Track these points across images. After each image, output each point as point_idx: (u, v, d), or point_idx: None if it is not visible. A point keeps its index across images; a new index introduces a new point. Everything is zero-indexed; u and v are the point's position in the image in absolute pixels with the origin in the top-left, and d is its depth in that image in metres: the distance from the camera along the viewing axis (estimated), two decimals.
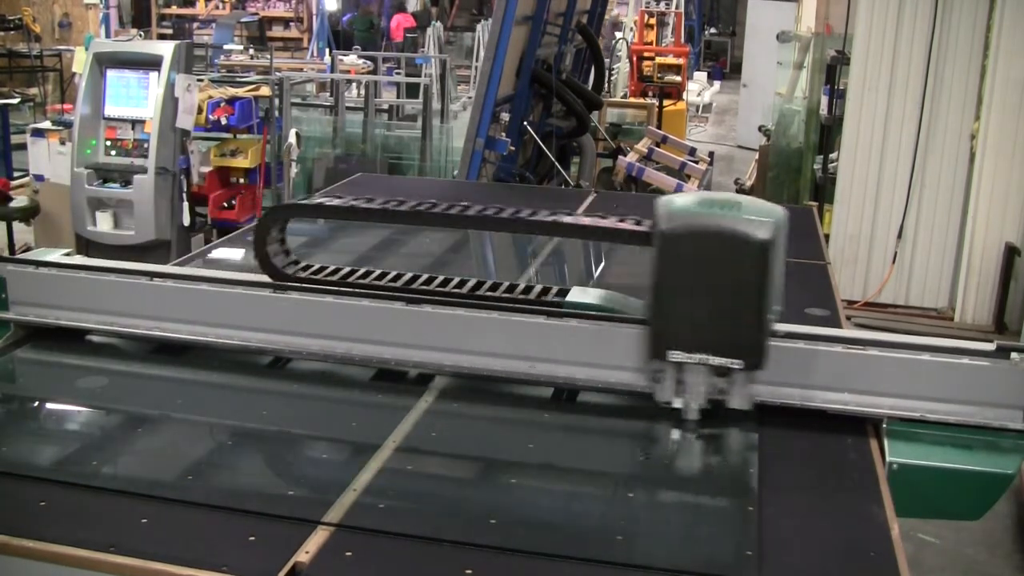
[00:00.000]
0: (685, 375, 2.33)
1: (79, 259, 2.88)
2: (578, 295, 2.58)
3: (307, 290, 2.61)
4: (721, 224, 2.23)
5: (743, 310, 2.25)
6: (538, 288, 2.65)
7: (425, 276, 2.69)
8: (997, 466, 2.28)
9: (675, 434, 2.37)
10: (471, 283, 2.65)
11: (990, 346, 2.35)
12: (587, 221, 2.60)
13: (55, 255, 2.85)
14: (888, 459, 2.24)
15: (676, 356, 2.29)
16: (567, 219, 2.60)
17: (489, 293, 2.60)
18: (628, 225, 2.50)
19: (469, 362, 2.50)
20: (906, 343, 2.40)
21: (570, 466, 2.30)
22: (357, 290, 2.59)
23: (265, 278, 2.66)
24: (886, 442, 2.29)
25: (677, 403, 2.35)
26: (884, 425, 2.32)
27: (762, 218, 2.24)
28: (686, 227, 2.26)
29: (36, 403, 2.59)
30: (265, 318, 2.62)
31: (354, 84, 10.73)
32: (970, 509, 2.40)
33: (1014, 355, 2.29)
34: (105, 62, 6.31)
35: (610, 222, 2.55)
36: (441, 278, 2.68)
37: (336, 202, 2.78)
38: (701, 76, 19.49)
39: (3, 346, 2.70)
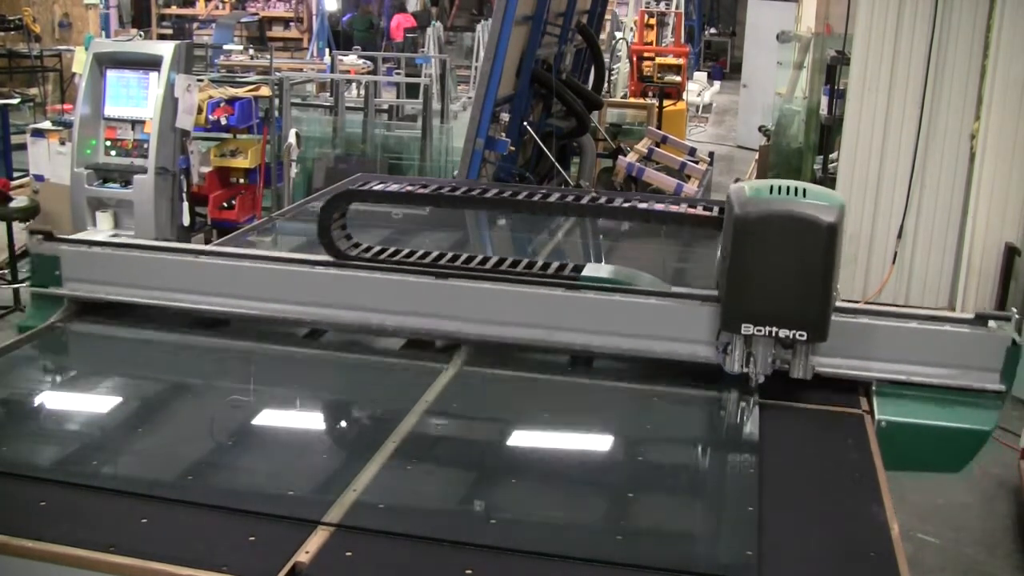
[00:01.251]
0: (754, 346, 2.49)
1: (125, 239, 2.96)
2: (592, 270, 2.82)
3: (347, 266, 2.80)
4: (792, 209, 2.40)
5: (809, 287, 2.41)
6: (555, 264, 2.85)
7: (451, 254, 2.90)
8: (976, 423, 2.47)
9: (680, 394, 2.60)
10: (494, 260, 2.85)
11: (970, 315, 2.58)
12: (660, 207, 2.82)
13: (104, 235, 2.91)
14: (877, 417, 2.44)
15: (747, 329, 2.44)
16: (641, 205, 2.83)
17: (511, 269, 2.81)
18: (699, 211, 2.77)
19: (493, 331, 2.69)
20: (893, 312, 2.65)
21: (583, 428, 2.50)
22: (391, 266, 2.80)
23: (298, 255, 2.92)
24: (875, 402, 2.49)
25: (744, 371, 2.50)
26: (873, 387, 2.52)
27: (827, 203, 2.43)
28: (760, 211, 2.42)
29: (77, 376, 2.79)
30: (304, 292, 2.78)
31: (354, 84, 10.74)
32: (952, 462, 2.57)
33: (991, 323, 2.51)
34: (105, 62, 6.31)
35: (681, 208, 2.77)
36: (466, 255, 2.88)
37: (394, 187, 2.98)
38: (701, 76, 19.49)
39: (58, 319, 2.86)
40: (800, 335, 2.42)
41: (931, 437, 2.48)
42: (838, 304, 2.52)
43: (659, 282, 2.88)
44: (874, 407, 2.47)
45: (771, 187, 2.47)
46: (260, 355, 2.81)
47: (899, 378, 2.53)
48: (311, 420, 2.61)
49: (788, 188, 2.45)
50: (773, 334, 2.43)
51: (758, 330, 2.43)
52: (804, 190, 2.45)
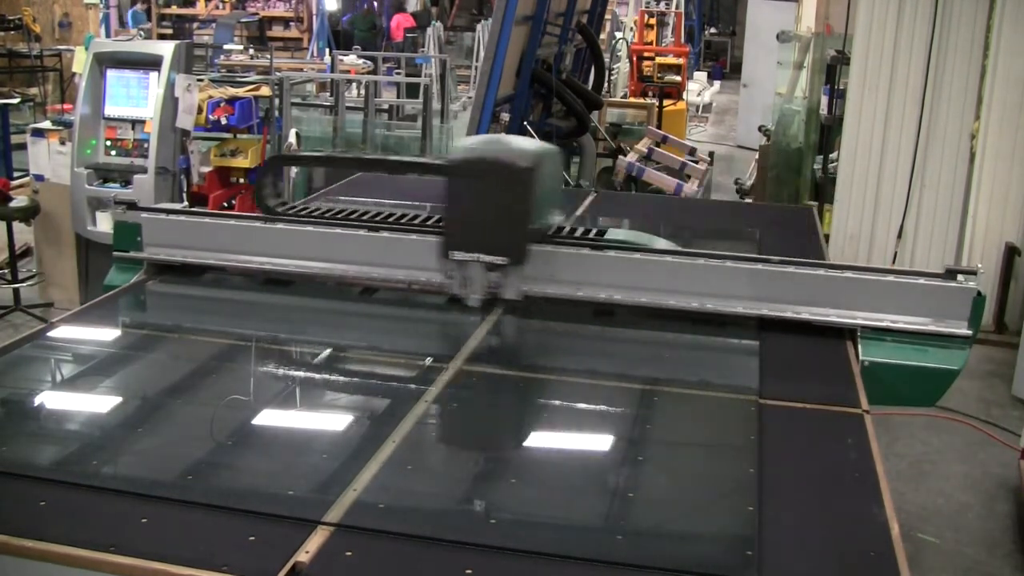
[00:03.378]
0: (467, 271, 2.99)
1: (197, 209, 3.58)
2: (614, 233, 3.24)
3: (386, 229, 3.24)
4: (493, 155, 2.98)
5: (508, 219, 2.96)
6: (581, 229, 3.25)
7: None
8: (946, 363, 2.86)
9: (686, 339, 3.04)
10: None
11: (940, 270, 2.98)
12: (396, 158, 3.75)
13: (179, 206, 3.55)
14: (861, 358, 2.82)
15: (458, 255, 2.96)
16: (393, 158, 3.71)
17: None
18: (427, 159, 3.64)
19: (527, 288, 3.06)
20: (874, 268, 3.08)
21: (602, 370, 2.86)
22: (430, 230, 3.17)
23: (348, 222, 3.31)
24: (860, 345, 2.87)
25: (463, 294, 3.01)
26: (859, 333, 2.91)
27: (524, 151, 3.02)
28: (466, 157, 3.05)
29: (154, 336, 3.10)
30: (357, 253, 3.20)
31: (354, 84, 10.74)
32: (925, 397, 2.98)
33: (960, 277, 2.91)
34: (105, 62, 6.30)
35: (414, 158, 3.50)
36: None
37: (322, 153, 3.58)
38: (701, 76, 19.49)
39: (138, 280, 3.27)
40: (502, 260, 2.94)
41: (908, 375, 2.86)
42: (827, 263, 3.05)
43: (672, 243, 3.28)
44: (859, 350, 2.85)
45: (479, 141, 3.13)
46: (315, 309, 3.25)
47: (880, 325, 2.90)
48: (317, 412, 2.62)
49: (491, 140, 3.10)
50: (480, 260, 2.94)
51: (469, 256, 2.95)
52: (508, 142, 3.08)
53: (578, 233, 3.21)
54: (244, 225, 3.34)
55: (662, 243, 3.26)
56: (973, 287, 2.90)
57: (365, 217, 3.37)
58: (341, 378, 2.79)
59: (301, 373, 2.80)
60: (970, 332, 2.88)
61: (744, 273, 3.01)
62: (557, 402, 2.69)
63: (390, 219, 3.35)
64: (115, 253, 3.35)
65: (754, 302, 2.97)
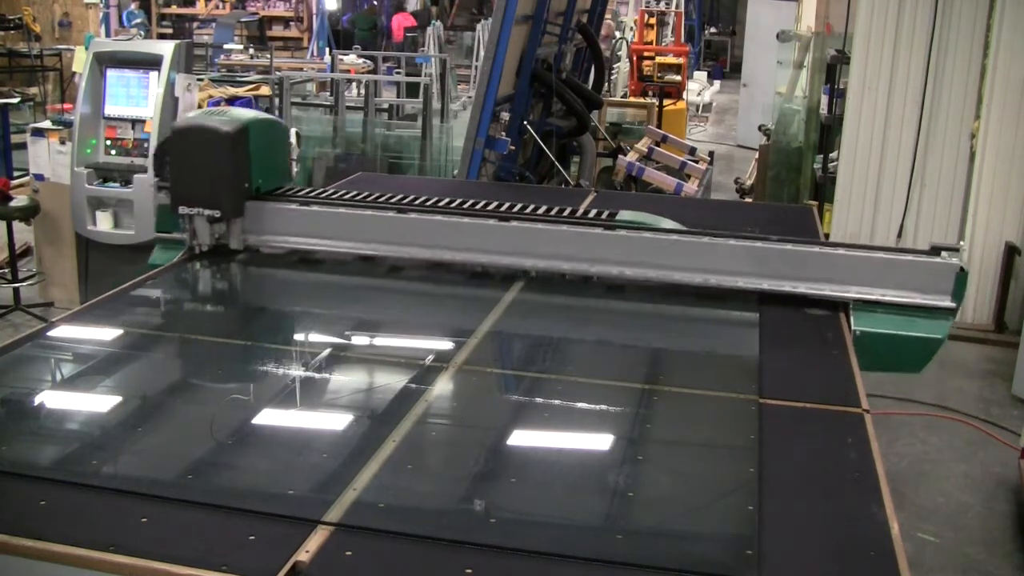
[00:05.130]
0: (194, 224, 3.51)
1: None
2: (625, 214, 3.52)
3: (421, 211, 3.57)
4: (202, 122, 3.51)
5: (220, 177, 3.48)
6: (594, 211, 3.56)
7: (508, 203, 3.64)
8: (931, 332, 3.11)
9: (693, 311, 3.31)
10: (543, 208, 3.57)
11: (925, 247, 3.26)
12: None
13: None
14: (853, 328, 3.07)
15: (184, 210, 3.48)
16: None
17: (557, 215, 3.50)
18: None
19: (546, 264, 3.42)
20: (865, 245, 3.34)
21: (614, 341, 3.17)
22: (462, 212, 3.54)
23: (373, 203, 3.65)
24: (852, 317, 3.13)
25: (193, 243, 3.52)
26: (851, 306, 3.17)
27: (232, 119, 3.52)
28: (182, 125, 3.59)
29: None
30: (415, 236, 3.51)
31: (354, 83, 10.73)
32: (912, 363, 3.21)
33: (944, 253, 3.19)
34: (105, 61, 6.30)
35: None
36: (519, 205, 3.61)
37: None
38: (701, 76, 19.48)
39: (180, 260, 3.57)
40: (216, 213, 3.46)
41: (896, 343, 3.10)
42: (821, 242, 3.39)
43: (677, 224, 3.54)
44: (851, 321, 3.10)
45: (204, 112, 3.80)
46: (340, 286, 3.58)
47: (871, 298, 3.17)
48: (323, 403, 2.63)
49: (214, 112, 3.73)
50: (201, 212, 3.46)
51: (191, 210, 3.46)
52: (224, 112, 3.68)
53: (591, 215, 3.50)
54: (281, 207, 3.63)
55: (669, 224, 3.52)
56: (956, 263, 3.15)
57: (417, 203, 3.65)
58: (341, 377, 2.79)
59: (301, 372, 2.79)
60: (953, 304, 3.13)
61: (745, 251, 3.27)
62: (557, 402, 2.68)
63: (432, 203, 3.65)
64: (157, 234, 3.70)
65: (754, 278, 3.24)
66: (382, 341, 3.21)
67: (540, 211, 3.53)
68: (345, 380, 2.78)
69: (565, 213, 3.51)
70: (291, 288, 3.61)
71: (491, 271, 3.50)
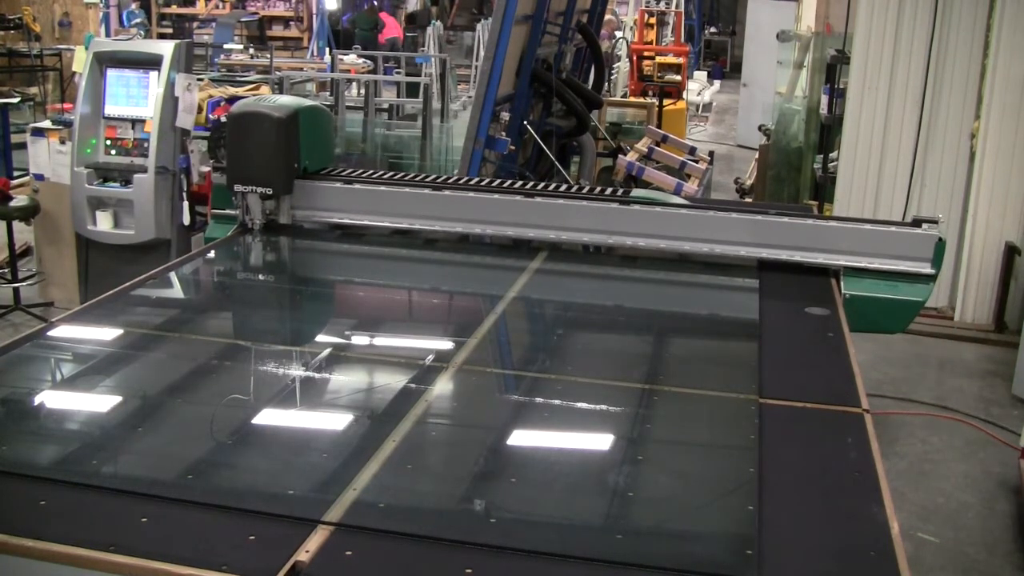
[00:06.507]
0: (247, 201, 3.85)
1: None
2: (638, 192, 3.94)
3: (456, 188, 3.94)
4: (257, 108, 3.83)
5: (272, 158, 3.81)
6: (610, 188, 3.97)
7: (532, 182, 4.08)
8: (913, 296, 3.50)
9: (701, 278, 3.70)
10: (564, 187, 3.97)
11: (908, 220, 3.69)
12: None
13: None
14: (843, 291, 3.42)
15: (239, 188, 3.82)
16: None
17: (577, 192, 3.88)
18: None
19: (567, 236, 3.79)
20: (854, 218, 3.72)
21: (631, 306, 3.57)
22: (491, 189, 3.93)
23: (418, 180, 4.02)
24: (842, 282, 3.49)
25: (246, 218, 3.87)
26: (841, 272, 3.54)
27: (283, 106, 3.85)
28: (237, 111, 3.88)
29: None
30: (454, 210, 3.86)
31: (354, 83, 10.73)
32: (896, 324, 3.66)
33: (924, 225, 3.58)
34: (105, 61, 6.29)
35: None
36: (543, 183, 4.00)
37: None
38: (701, 75, 19.47)
39: (232, 235, 3.89)
40: (268, 191, 3.80)
41: (881, 305, 3.47)
42: (815, 215, 3.92)
43: (686, 200, 3.88)
44: (842, 285, 3.45)
45: (255, 99, 4.04)
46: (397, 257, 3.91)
47: (859, 265, 3.53)
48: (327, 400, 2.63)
49: (264, 97, 4.15)
50: (255, 190, 3.79)
51: (246, 188, 3.79)
52: (273, 98, 4.09)
53: (607, 192, 3.88)
54: (328, 186, 3.95)
55: (677, 200, 3.90)
56: (935, 234, 3.54)
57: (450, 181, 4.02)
58: (341, 377, 2.79)
59: (301, 372, 2.79)
60: (933, 271, 3.53)
61: (746, 223, 3.63)
62: (557, 402, 2.68)
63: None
64: (211, 210, 4.09)
65: (754, 247, 3.61)
66: (410, 314, 3.56)
67: (562, 188, 3.90)
68: (345, 380, 2.78)
69: (584, 190, 3.89)
70: (331, 260, 4.00)
71: (517, 242, 3.87)
